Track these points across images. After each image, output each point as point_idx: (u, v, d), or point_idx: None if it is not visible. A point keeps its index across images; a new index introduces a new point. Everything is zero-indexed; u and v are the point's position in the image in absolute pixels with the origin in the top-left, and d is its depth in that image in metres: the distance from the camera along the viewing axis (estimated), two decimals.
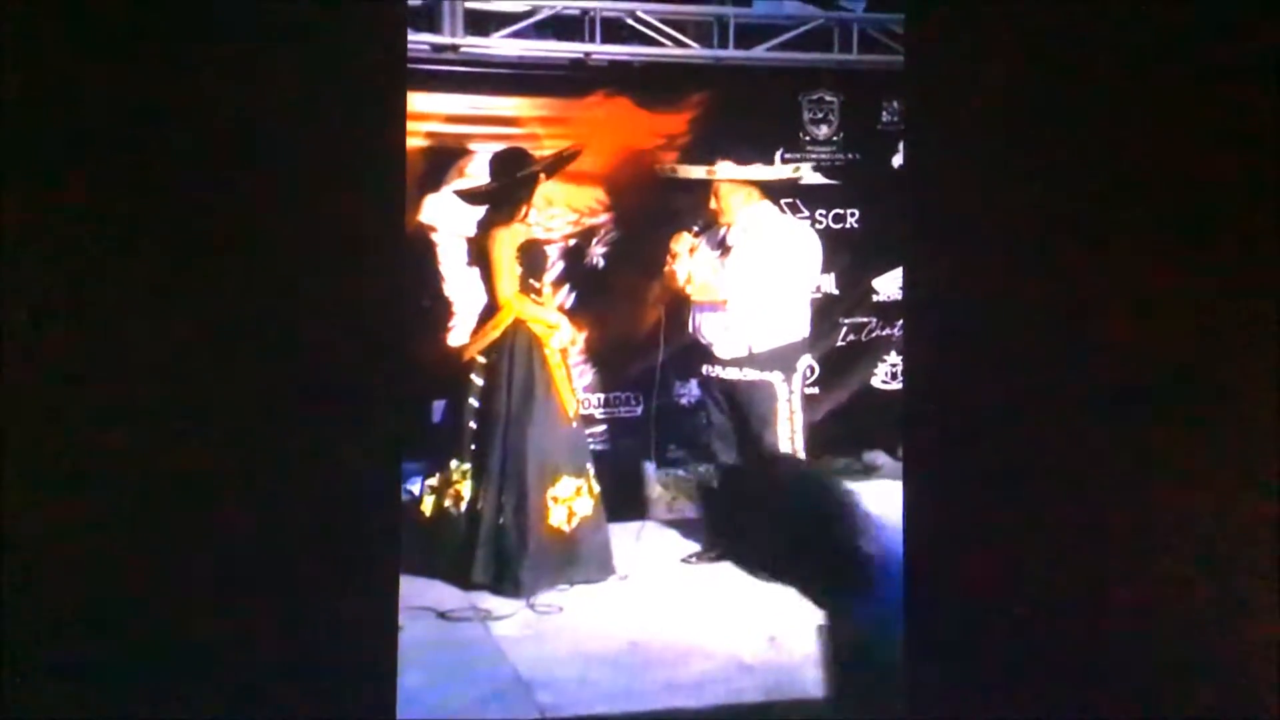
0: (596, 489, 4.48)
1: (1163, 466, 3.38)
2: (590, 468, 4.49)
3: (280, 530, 3.13)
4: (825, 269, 4.96)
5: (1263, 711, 3.30)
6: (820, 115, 5.24)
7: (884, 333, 5.41)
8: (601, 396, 5.21)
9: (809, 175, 4.91)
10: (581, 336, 4.87)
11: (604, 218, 5.11)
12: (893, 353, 5.41)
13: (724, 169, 4.47)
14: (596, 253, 5.11)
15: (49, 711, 3.04)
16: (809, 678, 3.78)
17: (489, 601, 4.23)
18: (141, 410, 3.08)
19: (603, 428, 5.20)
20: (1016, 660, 3.36)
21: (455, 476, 4.42)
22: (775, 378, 4.53)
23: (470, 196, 4.59)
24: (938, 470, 3.44)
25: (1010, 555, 3.39)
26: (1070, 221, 3.39)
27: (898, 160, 5.17)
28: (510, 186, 4.45)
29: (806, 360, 4.71)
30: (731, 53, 5.03)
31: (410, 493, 4.51)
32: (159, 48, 3.07)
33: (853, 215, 5.32)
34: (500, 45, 4.82)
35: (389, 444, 3.27)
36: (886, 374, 5.44)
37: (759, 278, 4.47)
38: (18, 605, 3.01)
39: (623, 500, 4.87)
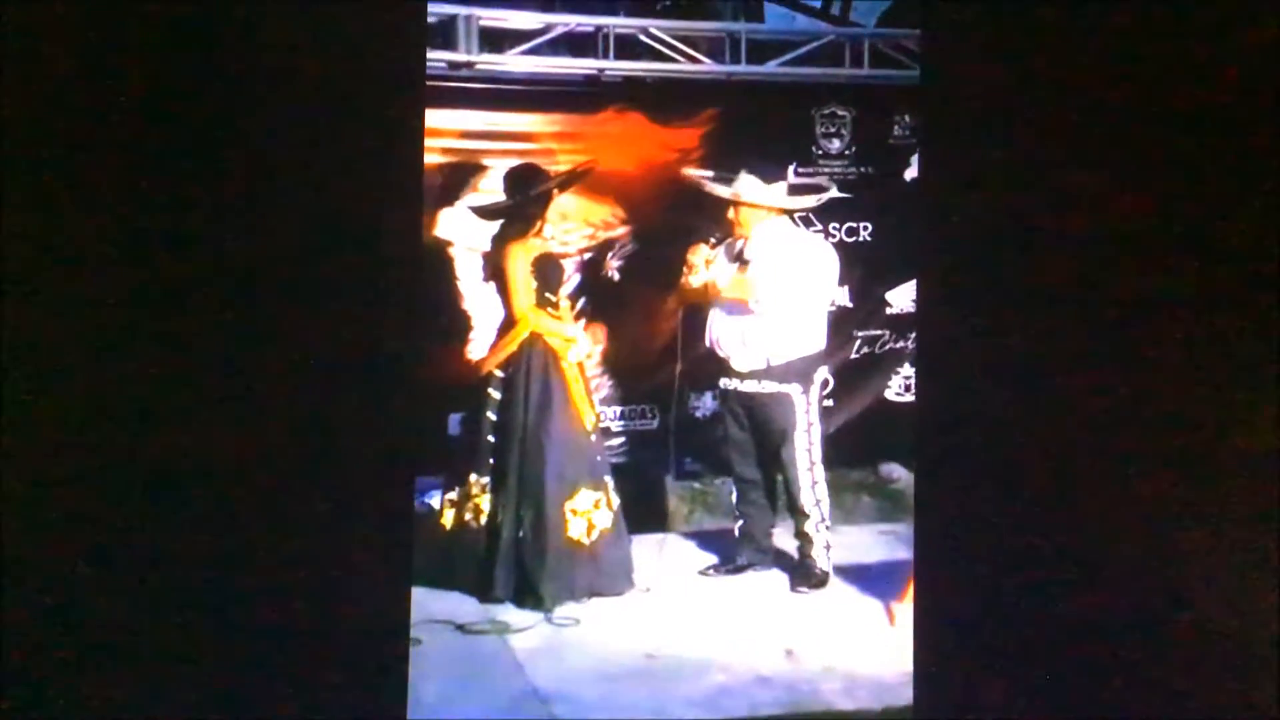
0: (616, 501, 4.49)
1: (1175, 476, 3.39)
2: (609, 480, 4.50)
3: (290, 540, 3.15)
4: (840, 282, 4.98)
5: (1263, 712, 3.30)
6: (832, 130, 5.26)
7: (898, 345, 5.41)
8: (619, 409, 5.22)
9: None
10: (598, 349, 4.90)
11: (619, 231, 5.13)
12: (906, 365, 5.41)
13: (747, 186, 4.49)
14: (612, 266, 5.13)
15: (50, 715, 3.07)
16: (827, 690, 3.79)
17: (507, 614, 4.25)
18: (153, 417, 3.10)
19: (621, 440, 5.22)
20: (1025, 665, 3.38)
21: (474, 490, 4.44)
22: (793, 390, 4.54)
23: (486, 212, 4.63)
24: (949, 479, 3.46)
25: (1018, 560, 3.40)
26: (1087, 232, 3.41)
27: (910, 174, 5.20)
28: (525, 202, 4.48)
29: (823, 373, 4.71)
30: (744, 68, 5.04)
31: (429, 506, 4.54)
32: (176, 65, 3.11)
33: (865, 229, 5.33)
34: (515, 62, 4.85)
35: (403, 456, 3.29)
36: (900, 386, 5.44)
37: (776, 290, 4.49)
38: (20, 610, 3.04)
39: (644, 513, 4.89)
